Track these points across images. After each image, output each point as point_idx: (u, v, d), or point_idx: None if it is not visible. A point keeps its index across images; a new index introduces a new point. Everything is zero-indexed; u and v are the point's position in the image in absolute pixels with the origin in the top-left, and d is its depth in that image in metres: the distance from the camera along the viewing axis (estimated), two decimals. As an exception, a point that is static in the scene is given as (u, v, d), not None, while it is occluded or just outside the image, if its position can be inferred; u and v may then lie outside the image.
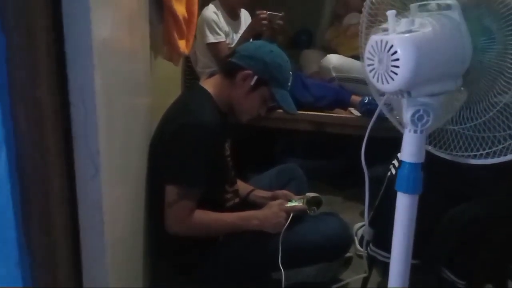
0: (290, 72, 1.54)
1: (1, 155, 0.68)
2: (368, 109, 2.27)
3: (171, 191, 1.39)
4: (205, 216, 1.44)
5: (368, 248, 1.46)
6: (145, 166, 1.45)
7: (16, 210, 0.70)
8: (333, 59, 2.57)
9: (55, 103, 0.83)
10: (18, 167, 0.71)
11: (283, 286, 1.43)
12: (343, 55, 2.60)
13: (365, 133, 0.98)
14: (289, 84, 1.55)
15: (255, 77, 1.47)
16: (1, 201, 0.69)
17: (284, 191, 1.68)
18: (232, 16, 2.44)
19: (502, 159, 0.85)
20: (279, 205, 1.53)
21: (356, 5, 2.74)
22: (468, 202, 1.13)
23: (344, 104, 2.48)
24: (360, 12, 0.97)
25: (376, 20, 0.93)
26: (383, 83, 0.81)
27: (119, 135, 1.10)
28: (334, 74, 2.53)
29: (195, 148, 1.40)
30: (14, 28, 0.69)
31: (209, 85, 1.55)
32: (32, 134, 0.75)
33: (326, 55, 2.64)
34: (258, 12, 2.26)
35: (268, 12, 2.27)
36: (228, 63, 1.53)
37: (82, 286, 0.95)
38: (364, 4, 0.94)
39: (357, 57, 2.58)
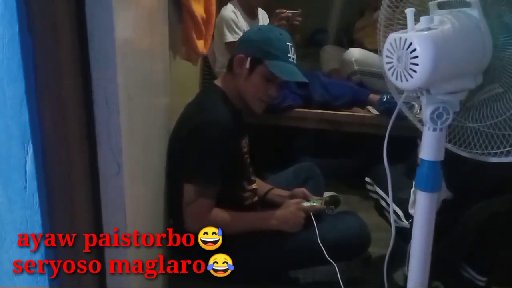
0: (288, 43, 1.50)
1: (28, 152, 0.70)
2: (386, 108, 2.25)
3: (188, 190, 1.41)
4: (223, 215, 1.45)
5: None
6: (164, 165, 1.47)
7: (42, 205, 0.73)
8: (355, 53, 2.57)
9: (79, 101, 0.85)
10: (44, 163, 0.73)
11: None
12: (367, 47, 2.59)
13: (383, 132, 0.98)
14: (288, 55, 1.50)
15: (248, 59, 1.48)
16: (28, 196, 0.71)
17: (302, 189, 1.68)
18: (250, 15, 2.46)
19: (523, 157, 0.84)
20: (297, 204, 1.53)
21: None
22: (488, 199, 1.12)
23: (362, 103, 2.47)
24: None
25: (395, 18, 0.93)
26: (402, 81, 0.81)
27: (140, 134, 1.12)
28: (356, 68, 2.52)
29: (210, 146, 1.42)
30: (39, 29, 0.71)
31: (221, 83, 1.58)
32: (57, 132, 0.78)
33: (345, 51, 2.63)
34: (277, 10, 2.26)
35: (287, 11, 2.28)
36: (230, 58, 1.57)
37: (105, 281, 0.98)
38: (383, 1, 0.93)
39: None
